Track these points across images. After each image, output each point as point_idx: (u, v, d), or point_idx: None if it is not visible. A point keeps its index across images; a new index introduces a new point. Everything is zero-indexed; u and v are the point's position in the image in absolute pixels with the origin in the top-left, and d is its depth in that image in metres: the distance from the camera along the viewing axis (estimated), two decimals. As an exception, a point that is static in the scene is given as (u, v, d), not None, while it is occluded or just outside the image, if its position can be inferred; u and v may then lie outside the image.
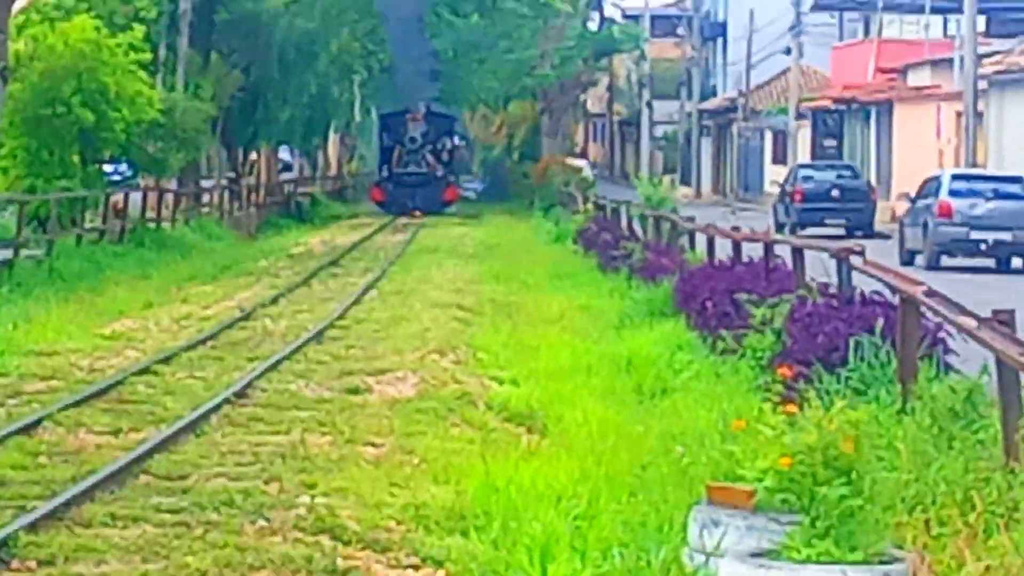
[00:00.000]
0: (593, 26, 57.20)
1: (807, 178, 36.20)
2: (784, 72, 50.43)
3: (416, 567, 7.70)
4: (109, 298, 20.87)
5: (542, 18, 45.19)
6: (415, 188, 45.94)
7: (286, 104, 41.17)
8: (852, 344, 10.18)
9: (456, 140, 50.45)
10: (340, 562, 7.51)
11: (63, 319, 18.20)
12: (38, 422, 11.03)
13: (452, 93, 52.05)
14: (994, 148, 33.98)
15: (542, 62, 50.64)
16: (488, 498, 8.35)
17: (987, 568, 5.72)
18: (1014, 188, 27.09)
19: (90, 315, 19.30)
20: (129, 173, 34.25)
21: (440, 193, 46.50)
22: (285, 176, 54.30)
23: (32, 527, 7.51)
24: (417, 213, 44.39)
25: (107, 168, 31.67)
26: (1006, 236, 25.85)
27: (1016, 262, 26.07)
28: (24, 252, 22.53)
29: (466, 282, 24.67)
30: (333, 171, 62.70)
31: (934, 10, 42.69)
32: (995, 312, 7.77)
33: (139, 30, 29.37)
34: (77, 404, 11.97)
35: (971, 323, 7.95)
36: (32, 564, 7.05)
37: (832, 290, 12.47)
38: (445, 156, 48.62)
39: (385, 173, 48.77)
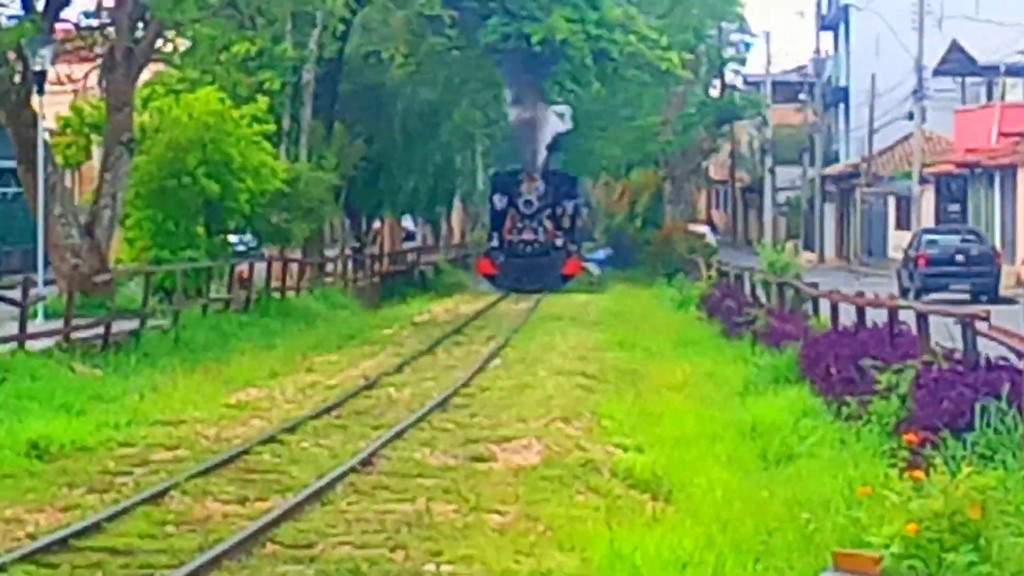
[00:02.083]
0: (715, 93, 56.72)
1: (931, 243, 35.43)
2: (907, 137, 49.18)
3: None
4: (235, 367, 20.96)
5: (664, 86, 44.07)
6: (530, 259, 40.19)
7: (409, 173, 41.00)
8: (978, 409, 10.11)
9: (578, 203, 45.29)
10: None
11: (189, 389, 18.37)
12: (165, 491, 11.09)
13: (574, 161, 50.26)
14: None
15: (664, 129, 50.30)
16: (614, 566, 8.34)
17: None
18: None
19: (216, 385, 19.36)
20: (254, 243, 34.75)
21: (559, 266, 40.49)
22: (408, 244, 54.15)
23: None
24: (520, 291, 39.16)
25: (232, 238, 31.84)
26: None
27: None
28: (150, 322, 22.44)
29: (589, 349, 24.55)
30: (456, 239, 62.22)
31: (1057, 74, 42.10)
32: None
33: (263, 101, 29.69)
34: (204, 473, 12.04)
35: None
36: None
37: (957, 355, 12.29)
38: (566, 222, 42.26)
39: (495, 242, 41.77)
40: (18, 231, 30.43)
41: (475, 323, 31.26)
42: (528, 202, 41.16)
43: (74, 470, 12.36)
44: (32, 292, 19.48)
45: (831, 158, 59.72)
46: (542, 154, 42.92)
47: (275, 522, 9.62)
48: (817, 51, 60.91)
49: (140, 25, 24.18)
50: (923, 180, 45.61)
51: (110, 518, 9.86)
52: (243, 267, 29.25)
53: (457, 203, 58.81)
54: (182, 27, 25.76)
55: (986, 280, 32.33)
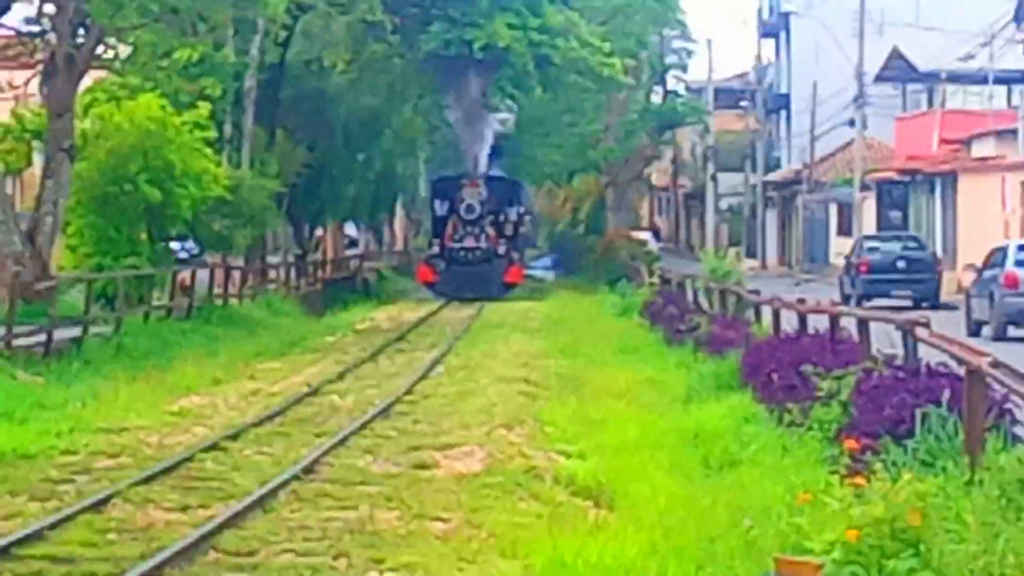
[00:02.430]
0: (657, 99, 57.47)
1: (873, 249, 35.82)
2: (848, 144, 49.49)
3: None
4: (177, 375, 20.68)
5: (606, 92, 44.38)
6: (472, 266, 38.94)
7: (351, 180, 40.62)
8: (919, 416, 10.11)
9: (522, 210, 43.98)
10: None
11: (131, 396, 18.18)
12: (108, 499, 11.05)
13: (516, 168, 49.73)
14: (1060, 218, 33.59)
15: (606, 136, 51.03)
16: (556, 573, 8.40)
17: None
18: None
19: (158, 392, 19.16)
20: (196, 250, 34.42)
21: (502, 274, 39.32)
22: (351, 252, 53.81)
23: None
24: (460, 300, 38.08)
25: (174, 245, 31.82)
26: None
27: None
28: (92, 330, 22.45)
29: (532, 356, 24.63)
30: (399, 246, 62.09)
31: (997, 80, 42.47)
32: None
33: (204, 108, 29.57)
34: (146, 481, 11.98)
35: None
36: None
37: (898, 362, 12.30)
38: (509, 229, 41.07)
39: (436, 249, 40.43)
40: None
41: (418, 330, 31.25)
42: (470, 207, 40.10)
43: (16, 478, 12.29)
44: None
45: (773, 165, 60.42)
46: (484, 159, 42.36)
47: (217, 529, 9.64)
48: (759, 58, 61.59)
49: (81, 31, 24.11)
50: (864, 187, 46.21)
51: (52, 526, 9.84)
52: (185, 274, 29.24)
53: (400, 210, 58.56)
54: (123, 33, 25.59)
55: (927, 287, 32.74)
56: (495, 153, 43.86)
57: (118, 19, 22.92)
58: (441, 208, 41.69)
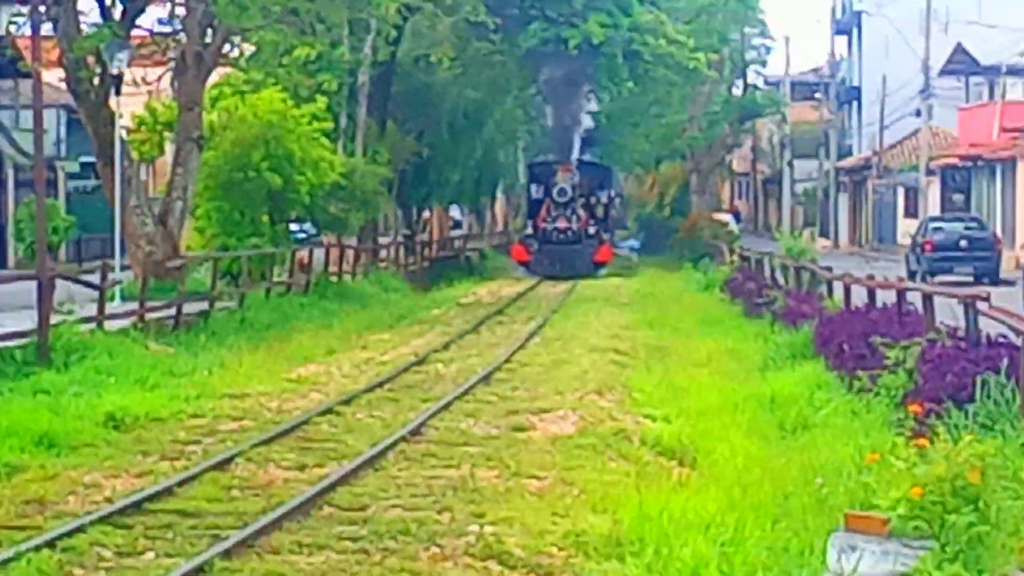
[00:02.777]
0: (737, 92, 59.08)
1: (937, 230, 36.83)
2: (915, 133, 51.65)
3: None
4: (295, 345, 21.47)
5: (691, 85, 46.11)
6: (563, 246, 40.00)
7: (456, 167, 41.88)
8: (979, 383, 10.38)
9: (611, 194, 45.56)
10: None
11: (253, 365, 18.74)
12: (231, 459, 11.35)
13: (607, 155, 53.80)
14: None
15: (691, 125, 52.73)
16: (642, 526, 8.54)
17: None
18: None
19: (278, 361, 19.78)
20: (313, 231, 35.93)
21: (591, 253, 40.20)
22: (455, 232, 55.67)
23: (226, 555, 7.81)
24: (553, 279, 38.78)
25: (293, 227, 33.00)
26: None
27: None
28: (218, 304, 23.20)
29: (621, 328, 24.85)
30: (500, 227, 64.44)
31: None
32: None
33: (322, 101, 30.77)
34: (266, 442, 12.26)
35: None
36: None
37: (960, 333, 12.66)
38: (600, 211, 42.63)
39: (530, 230, 41.96)
40: (97, 221, 31.51)
41: (516, 304, 31.57)
42: (563, 191, 41.13)
43: (148, 439, 12.72)
44: (110, 277, 20.18)
45: (844, 152, 62.20)
46: (576, 146, 43.54)
47: (331, 487, 9.85)
48: (832, 54, 64.39)
49: (209, 32, 25.07)
50: (930, 172, 47.48)
51: (180, 483, 10.16)
52: (303, 253, 30.34)
53: (500, 194, 60.44)
54: (247, 33, 26.65)
55: (987, 264, 33.56)
56: (587, 141, 45.42)
57: (243, 20, 23.82)
58: (537, 191, 43.02)
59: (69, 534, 8.50)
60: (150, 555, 8.27)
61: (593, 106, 45.10)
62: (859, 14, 60.29)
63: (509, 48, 38.73)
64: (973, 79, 49.91)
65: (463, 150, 41.69)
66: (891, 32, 52.35)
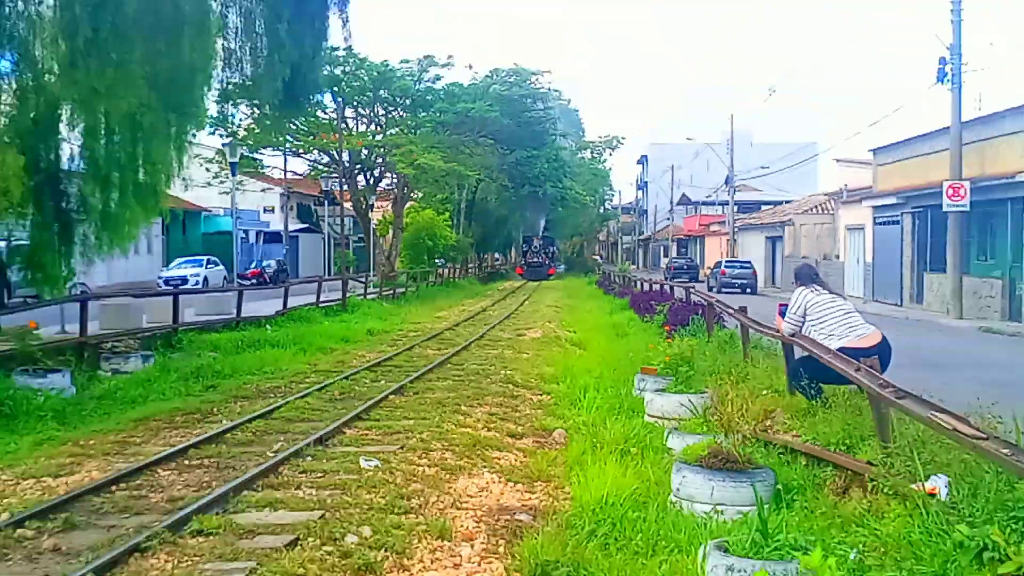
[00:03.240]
0: (600, 211, 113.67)
1: (728, 264, 51.78)
2: (667, 226, 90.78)
3: (542, 393, 13.97)
4: (436, 305, 37.17)
5: (584, 208, 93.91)
6: (536, 268, 74.75)
7: (496, 238, 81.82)
8: (691, 319, 17.69)
9: (555, 247, 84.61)
10: (514, 390, 14.01)
11: (420, 312, 32.18)
12: (412, 347, 19.72)
13: (554, 232, 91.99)
14: None
15: (584, 223, 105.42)
16: (566, 371, 15.09)
17: (747, 394, 9.12)
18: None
19: (430, 310, 33.65)
20: (442, 263, 58.60)
21: (548, 271, 75.91)
22: (497, 263, 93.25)
23: (411, 381, 14.42)
24: (532, 281, 68.88)
25: (438, 260, 57.98)
26: (745, 279, 46.86)
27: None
28: (410, 290, 42.18)
29: (557, 298, 43.87)
30: (512, 262, 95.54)
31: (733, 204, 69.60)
32: (741, 307, 13.93)
33: (446, 213, 59.38)
34: (425, 340, 21.30)
35: (730, 309, 15.34)
36: (410, 395, 13.70)
37: (683, 300, 22.58)
38: (550, 254, 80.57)
39: (523, 262, 79.82)
40: (363, 259, 55.32)
41: (520, 289, 56.39)
42: (535, 247, 78.47)
43: (382, 339, 22.39)
44: (369, 278, 39.16)
45: (641, 232, 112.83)
46: (541, 229, 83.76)
47: (449, 357, 17.53)
48: (637, 196, 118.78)
49: (405, 188, 50.18)
50: (675, 240, 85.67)
51: (393, 356, 18.23)
52: (443, 270, 55.10)
53: (513, 248, 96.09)
54: (419, 187, 52.55)
55: (748, 283, 47.20)
56: (545, 227, 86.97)
57: (419, 184, 49.09)
58: (525, 246, 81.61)
59: (355, 374, 15.45)
60: (383, 381, 14.56)
61: (545, 215, 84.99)
62: (647, 183, 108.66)
63: (517, 194, 64.88)
64: (689, 206, 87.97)
65: (499, 232, 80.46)
66: (661, 188, 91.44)
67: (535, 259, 77.53)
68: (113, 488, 8.37)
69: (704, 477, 6.81)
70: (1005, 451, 4.43)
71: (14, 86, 14.09)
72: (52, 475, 8.99)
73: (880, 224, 38.22)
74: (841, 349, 8.58)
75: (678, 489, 7.01)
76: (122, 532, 7.04)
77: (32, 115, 14.75)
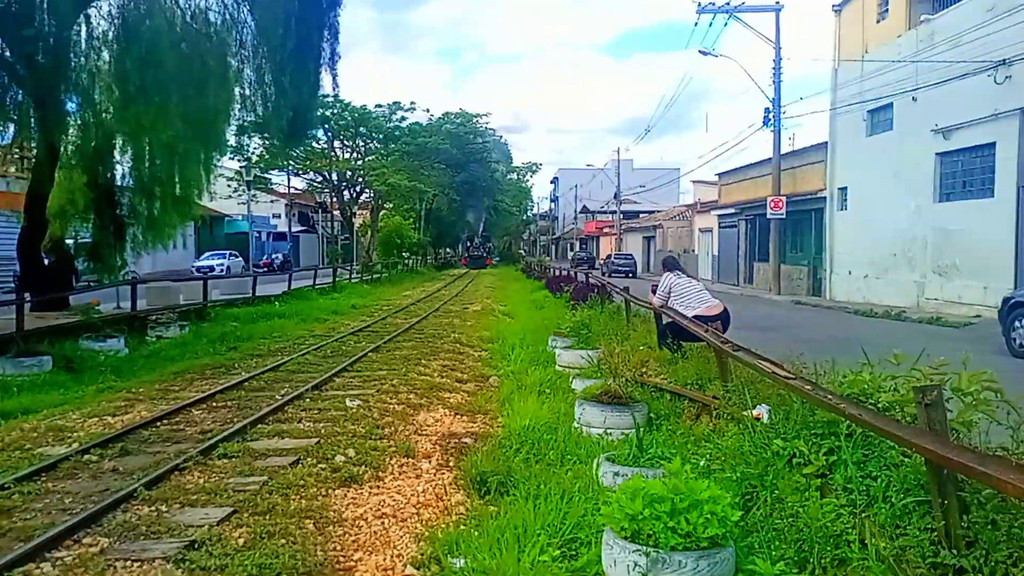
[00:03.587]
0: (523, 217, 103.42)
1: (609, 256, 53.23)
2: (573, 227, 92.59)
3: (481, 350, 13.61)
4: (403, 285, 36.42)
5: (512, 217, 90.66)
6: (476, 259, 69.65)
7: (448, 237, 76.90)
8: (590, 296, 16.40)
9: (491, 244, 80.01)
10: (461, 348, 13.66)
11: (390, 291, 31.72)
12: (384, 317, 19.18)
13: (489, 231, 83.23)
14: None
15: (512, 227, 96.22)
16: (498, 334, 15.07)
17: (629, 349, 8.64)
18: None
19: (397, 290, 33.13)
20: (407, 256, 55.44)
21: (486, 261, 70.79)
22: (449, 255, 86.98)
23: (383, 343, 15.07)
24: (474, 269, 64.99)
25: (405, 254, 53.85)
26: (629, 267, 46.94)
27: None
28: (384, 276, 39.78)
29: (492, 281, 42.42)
30: (458, 254, 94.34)
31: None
32: (625, 287, 15.31)
33: (410, 219, 53.09)
34: (393, 313, 20.51)
35: (617, 288, 16.77)
36: (384, 352, 14.20)
37: (585, 282, 20.61)
38: (488, 249, 75.42)
39: (467, 255, 73.64)
40: (348, 254, 53.26)
41: (465, 275, 50.34)
42: (476, 243, 73.69)
43: (362, 312, 21.65)
44: (352, 267, 37.29)
45: (554, 234, 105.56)
46: (479, 229, 77.41)
47: (413, 324, 17.34)
48: (550, 207, 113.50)
49: (379, 200, 45.05)
50: (578, 239, 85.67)
51: (371, 324, 17.57)
52: (408, 262, 51.52)
53: (460, 245, 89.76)
54: (390, 200, 47.79)
55: (631, 270, 47.12)
56: (483, 228, 79.07)
57: (389, 199, 45.36)
58: (468, 243, 75.36)
59: (342, 337, 15.05)
60: (364, 342, 14.33)
61: (483, 219, 77.93)
62: (557, 197, 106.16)
63: (462, 205, 63.20)
64: (588, 214, 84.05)
65: (450, 232, 72.29)
66: (568, 201, 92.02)
67: (476, 252, 74.33)
68: (158, 424, 8.21)
69: (598, 409, 6.90)
70: (808, 387, 4.56)
71: (79, 121, 13.77)
72: (111, 415, 8.76)
73: (723, 227, 38.90)
74: (696, 316, 8.76)
75: (579, 418, 7.08)
76: (165, 456, 6.90)
77: (92, 144, 14.44)
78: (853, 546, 3.69)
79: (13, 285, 19.82)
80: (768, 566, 3.56)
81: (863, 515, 3.81)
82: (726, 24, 31.10)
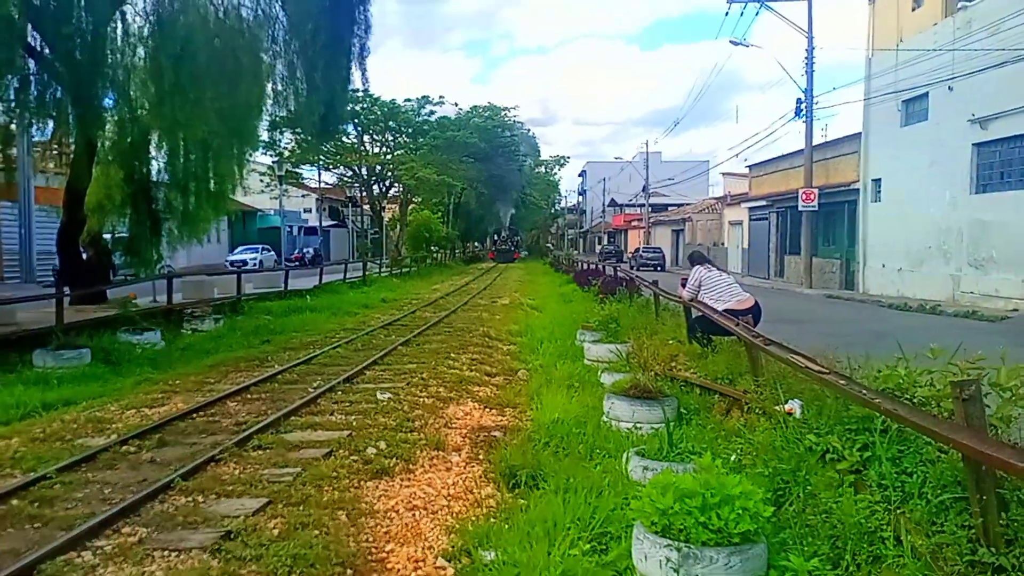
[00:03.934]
0: (552, 211, 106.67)
1: (638, 250, 51.87)
2: (602, 220, 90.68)
3: (510, 344, 13.68)
4: (431, 280, 35.98)
5: (540, 210, 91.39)
6: (505, 253, 68.37)
7: (476, 231, 77.81)
8: (618, 289, 16.88)
9: (519, 237, 78.92)
10: (490, 342, 13.58)
11: (420, 285, 31.68)
12: (415, 311, 19.20)
13: (516, 226, 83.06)
14: None
15: (540, 220, 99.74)
16: (527, 328, 15.07)
17: (658, 343, 8.71)
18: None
19: (427, 284, 32.79)
20: (436, 249, 55.61)
21: (514, 255, 69.39)
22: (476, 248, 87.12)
23: (412, 337, 14.08)
24: (502, 263, 64.22)
25: (433, 248, 53.38)
26: (657, 261, 46.37)
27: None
28: (413, 270, 39.77)
29: (520, 275, 41.73)
30: (487, 248, 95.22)
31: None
32: (653, 281, 14.29)
33: (439, 213, 54.46)
34: (423, 307, 20.65)
35: (646, 282, 16.34)
36: (413, 346, 14.95)
37: (613, 275, 20.70)
38: (515, 242, 74.26)
39: (494, 248, 73.23)
40: (377, 248, 52.90)
41: (495, 268, 52.37)
42: (504, 237, 73.86)
43: (392, 305, 21.76)
44: (382, 261, 37.69)
45: (582, 227, 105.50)
46: (507, 222, 77.20)
47: (442, 319, 17.12)
48: (578, 200, 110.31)
49: (408, 195, 45.66)
50: (606, 232, 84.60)
51: (401, 318, 17.61)
52: (437, 256, 50.81)
53: (488, 239, 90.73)
54: (419, 194, 47.74)
55: (659, 263, 46.45)
56: (511, 221, 79.08)
57: (419, 193, 44.97)
58: (496, 236, 76.77)
59: (372, 331, 15.16)
60: (394, 336, 14.31)
61: (511, 211, 77.78)
62: (585, 190, 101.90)
63: (491, 198, 62.63)
64: (616, 207, 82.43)
65: (478, 226, 76.18)
66: (596, 194, 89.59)
67: (504, 246, 72.13)
68: (194, 415, 8.32)
69: (627, 403, 6.87)
70: (842, 382, 4.50)
71: (115, 118, 13.99)
72: (148, 406, 8.89)
73: (754, 220, 38.45)
74: (726, 310, 8.68)
75: (608, 412, 7.06)
76: (201, 447, 6.99)
77: (129, 140, 14.64)
78: (888, 543, 3.64)
79: (52, 279, 20.19)
80: (801, 562, 3.53)
81: (898, 512, 3.76)
82: (757, 13, 30.68)
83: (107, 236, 17.52)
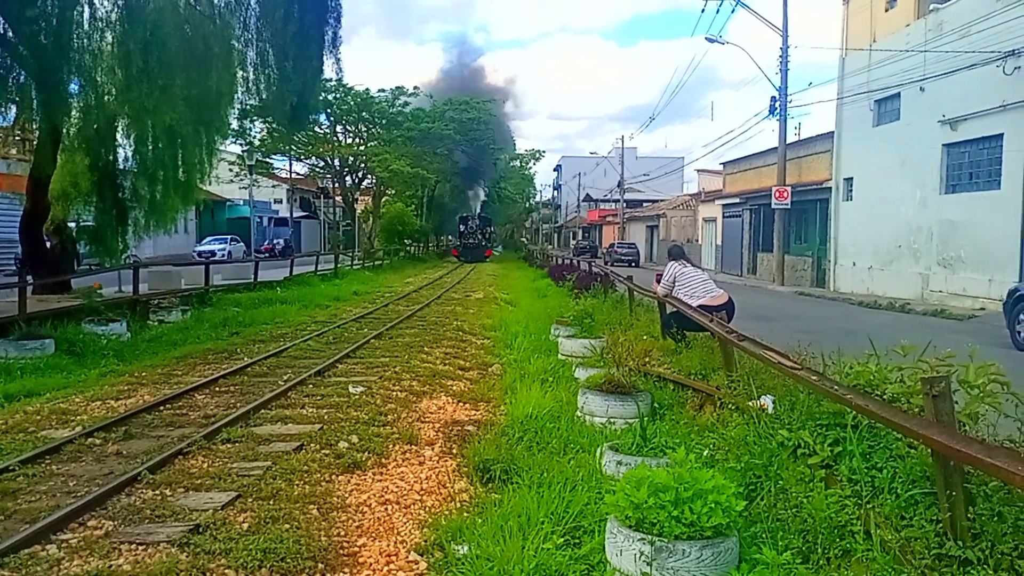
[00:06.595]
0: (526, 205, 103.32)
1: (612, 245, 53.56)
2: (576, 215, 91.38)
3: (483, 338, 13.47)
4: (405, 272, 35.92)
5: (515, 204, 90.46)
6: (472, 250, 54.66)
7: (447, 223, 69.15)
8: (592, 284, 17.13)
9: (492, 228, 63.46)
10: (463, 336, 13.55)
11: (393, 277, 31.29)
12: (387, 304, 19.12)
13: (492, 216, 77.56)
14: None
15: (514, 213, 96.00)
16: (501, 322, 14.84)
17: (632, 338, 8.51)
18: None
19: (400, 276, 32.53)
20: (409, 242, 54.85)
21: (484, 252, 55.69)
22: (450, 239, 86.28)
23: (380, 333, 13.88)
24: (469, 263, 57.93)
25: (407, 241, 53.27)
26: (632, 256, 48.22)
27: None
28: (385, 262, 39.22)
29: (493, 271, 39.51)
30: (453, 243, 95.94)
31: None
32: (628, 276, 14.89)
33: (413, 206, 54.66)
34: (396, 300, 20.46)
35: (620, 277, 17.11)
36: (386, 339, 13.53)
37: (588, 270, 21.28)
38: (488, 235, 59.66)
39: (459, 243, 58.73)
40: (349, 240, 52.43)
41: (463, 268, 45.28)
42: (472, 227, 57.06)
43: (364, 298, 21.38)
44: (354, 253, 36.61)
45: (556, 222, 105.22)
46: (478, 210, 64.21)
47: (418, 311, 17.36)
48: (553, 195, 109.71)
49: (382, 187, 45.04)
50: (581, 227, 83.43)
51: (375, 310, 17.46)
52: (411, 248, 51.02)
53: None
54: (392, 186, 47.23)
55: (634, 259, 47.19)
56: (483, 208, 66.71)
57: (393, 184, 44.02)
58: (461, 226, 59.00)
59: (344, 324, 14.96)
60: (366, 329, 14.26)
61: (482, 199, 68.35)
62: (560, 185, 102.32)
63: (463, 188, 62.33)
64: (591, 203, 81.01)
65: (452, 219, 66.33)
66: (571, 189, 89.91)
67: (471, 240, 55.90)
68: (161, 408, 8.22)
69: (601, 398, 6.91)
70: (814, 378, 4.57)
71: (81, 104, 13.73)
72: (114, 398, 8.77)
73: (727, 217, 38.82)
74: (700, 306, 8.76)
75: (582, 407, 7.09)
76: (168, 440, 6.92)
77: (95, 126, 14.40)
78: (858, 537, 3.71)
79: (15, 268, 19.84)
80: (773, 555, 3.58)
81: (868, 506, 3.83)
82: (733, 10, 30.91)
83: (72, 224, 17.25)
